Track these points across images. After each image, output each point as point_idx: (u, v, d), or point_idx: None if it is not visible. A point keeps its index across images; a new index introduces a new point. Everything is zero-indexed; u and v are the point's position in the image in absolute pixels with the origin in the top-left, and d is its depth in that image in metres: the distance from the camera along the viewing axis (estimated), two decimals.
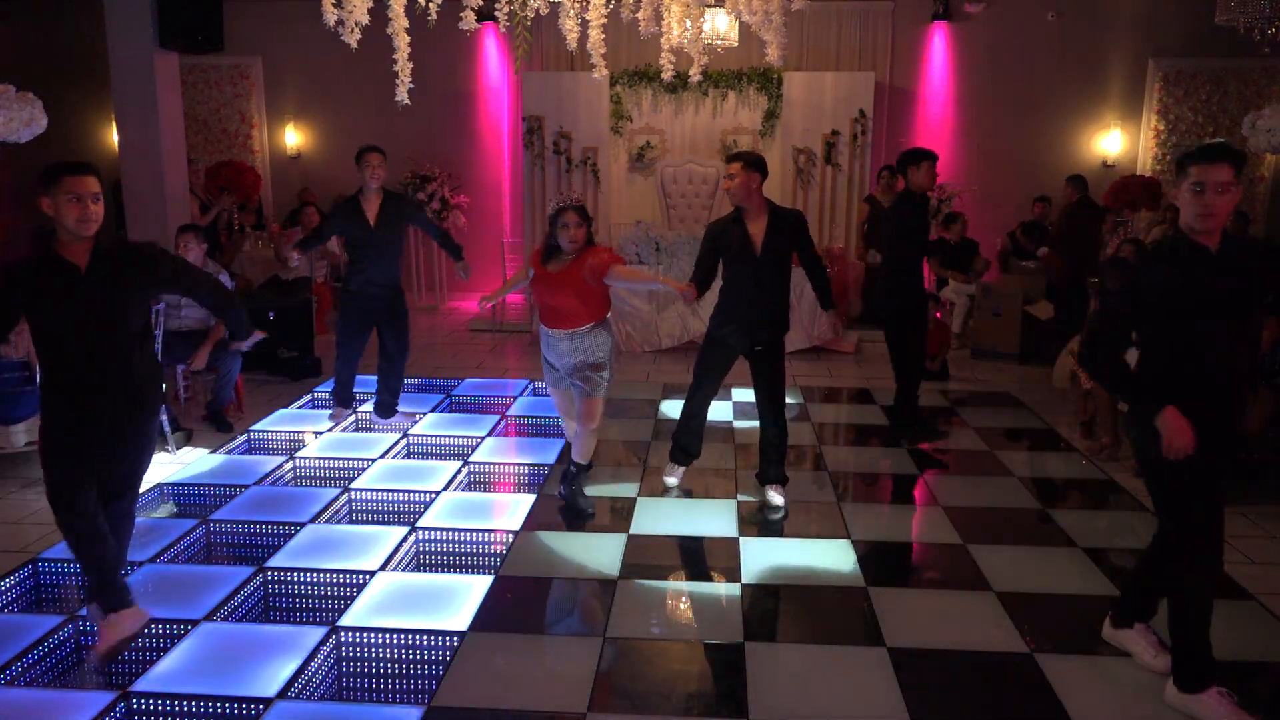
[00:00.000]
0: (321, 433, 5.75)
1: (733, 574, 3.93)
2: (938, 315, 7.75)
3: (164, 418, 5.25)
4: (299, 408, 6.42)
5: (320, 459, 5.29)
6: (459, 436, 5.71)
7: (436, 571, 4.04)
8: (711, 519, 4.53)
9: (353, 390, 5.99)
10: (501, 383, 7.08)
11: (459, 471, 5.07)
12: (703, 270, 4.59)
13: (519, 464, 5.25)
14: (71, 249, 3.10)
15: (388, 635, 3.38)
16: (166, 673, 3.14)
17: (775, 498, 4.70)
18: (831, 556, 4.13)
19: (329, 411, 6.06)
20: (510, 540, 4.25)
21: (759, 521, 4.53)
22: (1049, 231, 8.99)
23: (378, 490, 4.80)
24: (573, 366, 4.39)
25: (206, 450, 5.44)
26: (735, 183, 4.46)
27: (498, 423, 6.00)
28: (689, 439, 4.88)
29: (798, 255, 4.71)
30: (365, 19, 4.58)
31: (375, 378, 5.88)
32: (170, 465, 5.16)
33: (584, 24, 4.90)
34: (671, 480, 4.93)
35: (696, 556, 4.14)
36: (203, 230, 6.21)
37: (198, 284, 3.45)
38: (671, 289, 4.48)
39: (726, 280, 4.61)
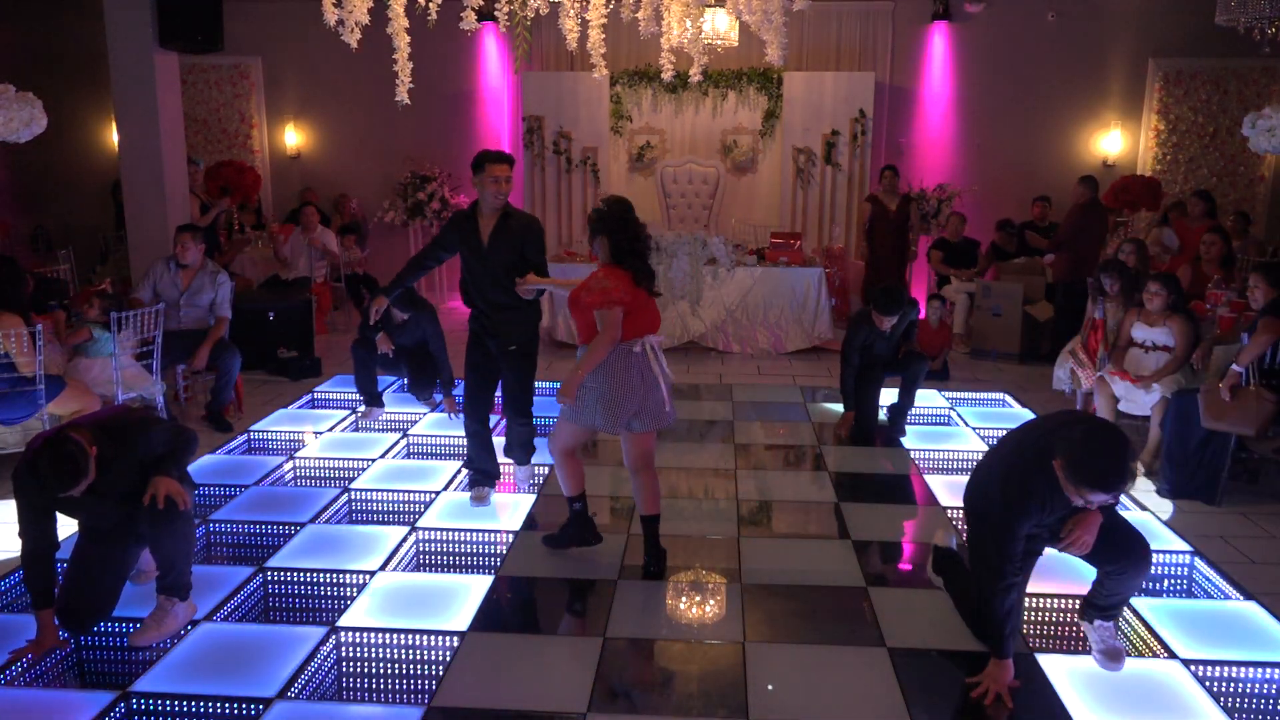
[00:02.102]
0: (321, 433, 5.76)
1: (733, 574, 3.94)
2: (947, 320, 7.76)
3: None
4: (299, 408, 6.42)
5: (320, 459, 5.29)
6: (459, 436, 5.69)
7: (436, 571, 4.05)
8: (712, 519, 4.53)
9: (452, 382, 6.24)
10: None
11: (459, 471, 5.07)
12: (431, 247, 4.64)
13: None
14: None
15: (388, 635, 3.39)
16: (166, 673, 3.15)
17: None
18: (831, 556, 4.14)
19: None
20: (510, 540, 4.25)
21: (759, 521, 4.53)
22: (1025, 230, 8.97)
23: (378, 490, 4.80)
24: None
25: (206, 450, 5.44)
26: (510, 185, 4.30)
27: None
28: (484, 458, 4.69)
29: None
30: (365, 19, 4.57)
31: (364, 378, 6.13)
32: None
33: (584, 24, 4.90)
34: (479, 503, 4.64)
35: (696, 556, 4.14)
36: (201, 230, 6.22)
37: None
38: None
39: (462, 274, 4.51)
